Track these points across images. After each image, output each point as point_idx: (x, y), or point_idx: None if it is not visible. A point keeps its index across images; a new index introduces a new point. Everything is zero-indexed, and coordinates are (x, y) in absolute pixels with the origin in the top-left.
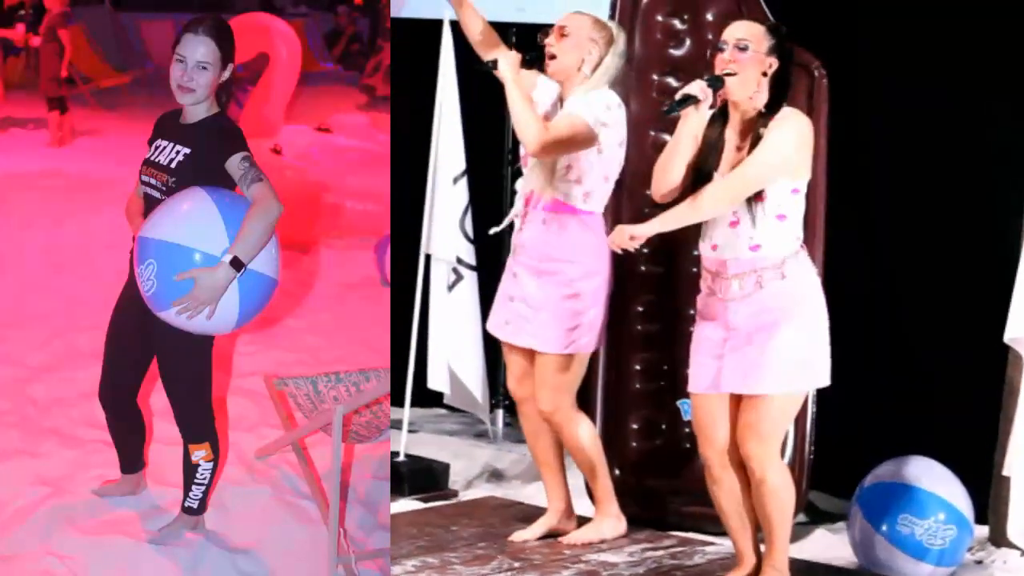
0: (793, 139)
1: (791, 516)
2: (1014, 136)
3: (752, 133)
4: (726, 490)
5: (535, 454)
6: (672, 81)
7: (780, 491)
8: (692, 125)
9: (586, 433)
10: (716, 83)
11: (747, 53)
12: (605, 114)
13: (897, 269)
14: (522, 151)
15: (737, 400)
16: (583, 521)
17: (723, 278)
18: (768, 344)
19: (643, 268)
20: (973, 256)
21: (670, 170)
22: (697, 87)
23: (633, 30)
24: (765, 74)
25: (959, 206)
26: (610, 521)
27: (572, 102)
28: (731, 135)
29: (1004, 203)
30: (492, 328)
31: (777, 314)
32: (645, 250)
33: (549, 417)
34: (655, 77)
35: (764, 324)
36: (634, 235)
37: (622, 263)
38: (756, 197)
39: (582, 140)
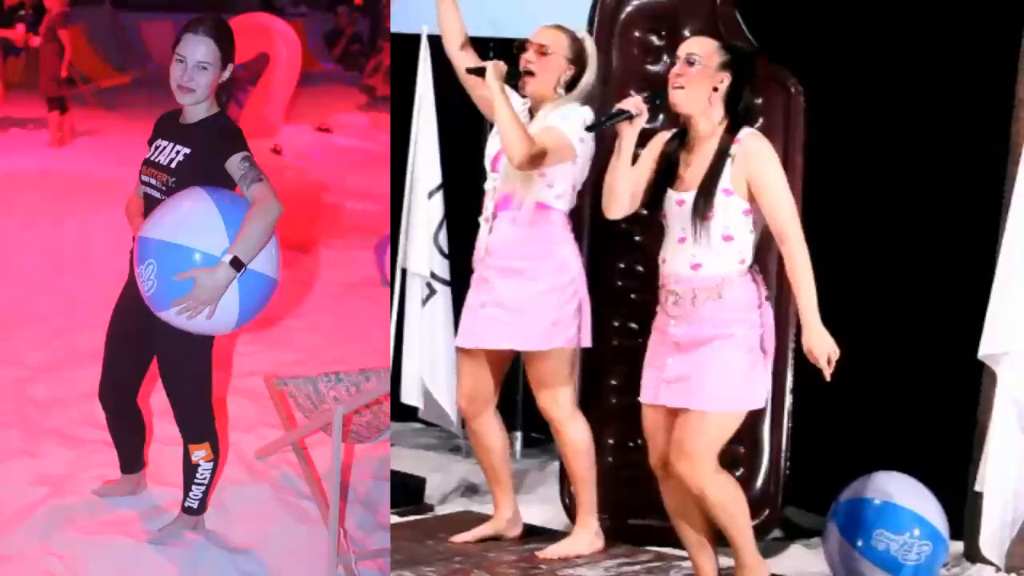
0: (776, 161)
1: (745, 524)
2: (991, 151)
3: (716, 151)
4: (671, 502)
5: (484, 469)
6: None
7: (726, 504)
8: (627, 140)
9: (584, 436)
10: (654, 99)
11: (695, 68)
12: (582, 130)
13: (872, 284)
14: (489, 155)
15: (675, 414)
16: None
17: (666, 291)
18: (702, 362)
19: (619, 283)
20: (949, 272)
21: (615, 187)
22: (631, 103)
23: (611, 45)
24: (716, 89)
25: (935, 223)
26: (588, 536)
27: (554, 117)
28: (686, 158)
29: (980, 220)
30: (462, 341)
31: (711, 332)
32: (621, 265)
33: (548, 415)
34: (632, 92)
35: (699, 340)
36: (831, 354)
37: (599, 279)
38: (703, 217)
39: (564, 154)
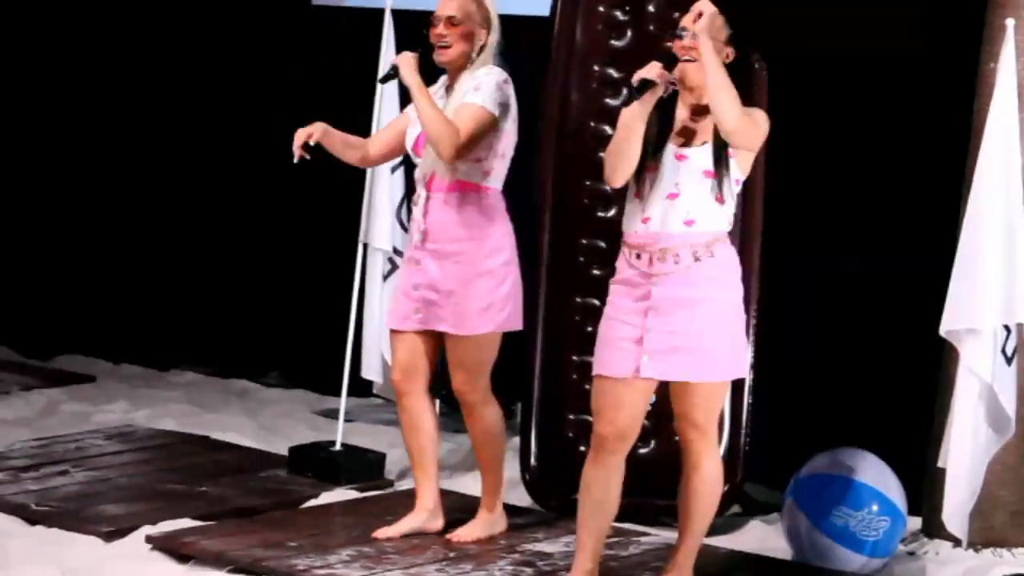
0: (763, 131)
1: (711, 515)
2: (952, 131)
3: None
4: (598, 477)
5: (411, 451)
6: (613, 72)
7: (715, 485)
8: (647, 108)
9: (496, 420)
10: (668, 67)
11: (702, 42)
12: (500, 94)
13: (833, 262)
14: (410, 140)
15: (659, 385)
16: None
17: (648, 251)
18: (700, 331)
19: (581, 259)
20: (910, 249)
21: (629, 153)
22: (654, 72)
23: (575, 21)
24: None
25: (895, 201)
26: (493, 518)
27: (466, 89)
28: (683, 115)
29: (941, 197)
30: (395, 323)
31: (701, 293)
32: (583, 242)
33: (463, 397)
34: (596, 68)
35: (684, 301)
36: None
37: (560, 256)
38: (706, 173)
39: (489, 130)
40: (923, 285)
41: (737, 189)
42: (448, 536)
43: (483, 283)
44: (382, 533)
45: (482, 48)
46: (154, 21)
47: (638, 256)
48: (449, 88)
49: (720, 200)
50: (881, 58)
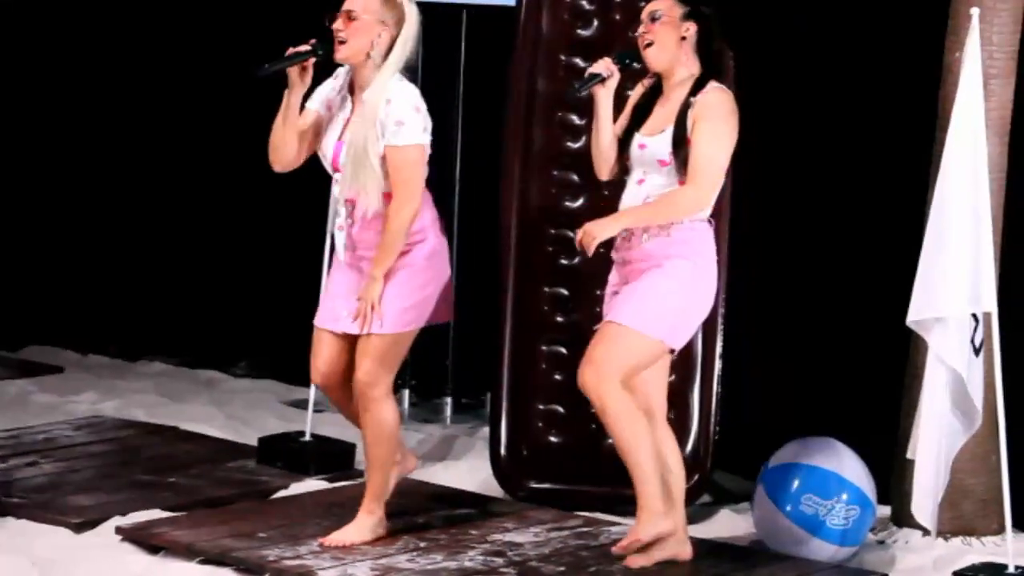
0: (732, 119)
1: (646, 459)
2: (919, 120)
3: (683, 100)
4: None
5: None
6: (580, 61)
7: (624, 423)
8: (603, 103)
9: (391, 420)
10: (624, 58)
11: (659, 23)
12: (421, 118)
13: (802, 250)
14: (326, 155)
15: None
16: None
17: (620, 235)
18: (632, 286)
19: (549, 249)
20: (877, 239)
21: (597, 147)
22: (601, 65)
23: (541, 10)
24: (684, 38)
25: (863, 190)
26: (372, 522)
27: (379, 107)
28: (659, 104)
29: (908, 186)
30: (324, 322)
31: (651, 264)
32: (552, 232)
33: (364, 390)
34: (563, 57)
35: (637, 271)
36: (596, 236)
37: (529, 246)
38: (661, 162)
39: (424, 163)
40: (892, 274)
41: None
42: (321, 540)
43: (414, 280)
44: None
45: (390, 50)
46: (130, 18)
47: (619, 239)
48: (352, 88)
49: (682, 183)
50: (848, 46)
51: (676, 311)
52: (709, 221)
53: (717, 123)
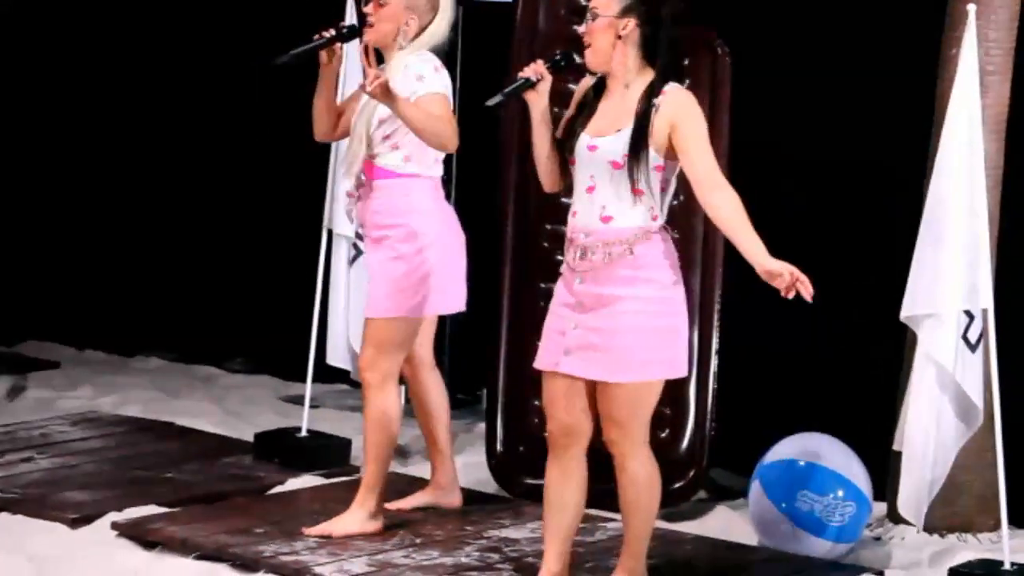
0: (702, 114)
1: (649, 517)
2: (916, 116)
3: (641, 102)
4: (554, 476)
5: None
6: (576, 57)
7: (639, 482)
8: (535, 109)
9: (391, 409)
10: (559, 62)
11: (596, 21)
12: (441, 77)
13: (797, 246)
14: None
15: (579, 382)
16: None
17: (575, 246)
18: (612, 330)
19: (545, 245)
20: (874, 234)
21: (542, 159)
22: (530, 69)
23: (538, 6)
24: (620, 37)
25: (858, 185)
26: (363, 515)
27: (399, 76)
28: (606, 103)
29: (904, 182)
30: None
31: (619, 292)
32: (547, 227)
33: (365, 376)
34: (558, 53)
35: (605, 300)
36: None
37: (525, 241)
38: (613, 164)
39: (450, 111)
40: (889, 270)
41: (657, 175)
42: (304, 530)
43: (397, 267)
44: (394, 505)
45: (419, 34)
46: (122, 17)
47: (569, 250)
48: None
49: (638, 192)
50: (845, 41)
51: (667, 341)
52: (664, 228)
53: (696, 125)
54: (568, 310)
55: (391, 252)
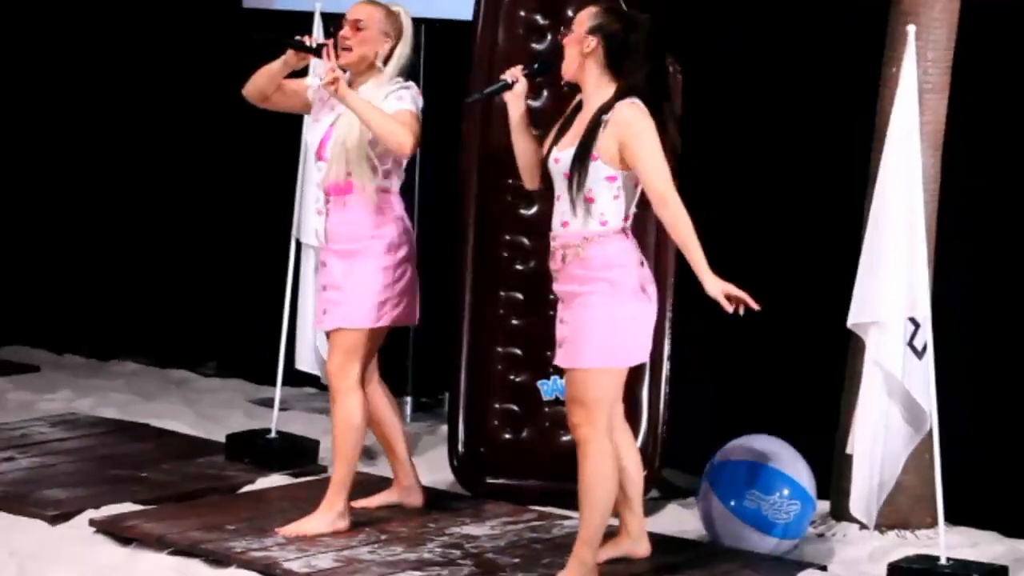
0: (653, 127)
1: (604, 508)
2: (857, 132)
3: (593, 116)
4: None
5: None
6: (553, 65)
7: (598, 470)
8: (512, 109)
9: (357, 413)
10: (536, 68)
11: (570, 35)
12: (416, 105)
13: (745, 254)
14: (312, 145)
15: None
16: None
17: (551, 250)
18: (572, 322)
19: (504, 255)
20: (818, 242)
21: (522, 157)
22: (509, 73)
23: (497, 24)
24: (585, 54)
25: (804, 198)
26: (331, 516)
27: (377, 99)
28: (579, 118)
29: (846, 196)
30: (316, 325)
31: (577, 289)
32: (507, 237)
33: (334, 381)
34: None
35: (570, 296)
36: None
37: (484, 251)
38: (566, 175)
39: (417, 126)
40: (833, 278)
41: (610, 184)
42: (277, 530)
43: (378, 278)
44: (360, 503)
45: (388, 58)
46: (112, 24)
47: (556, 258)
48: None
49: (590, 200)
50: (788, 62)
51: (620, 331)
52: (623, 231)
53: (643, 142)
54: (559, 308)
55: (375, 263)
